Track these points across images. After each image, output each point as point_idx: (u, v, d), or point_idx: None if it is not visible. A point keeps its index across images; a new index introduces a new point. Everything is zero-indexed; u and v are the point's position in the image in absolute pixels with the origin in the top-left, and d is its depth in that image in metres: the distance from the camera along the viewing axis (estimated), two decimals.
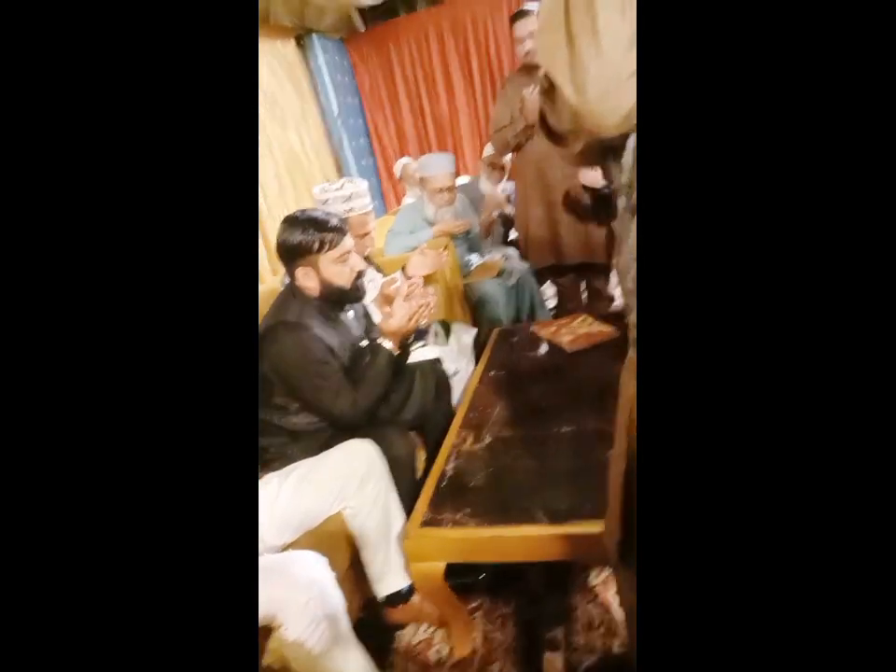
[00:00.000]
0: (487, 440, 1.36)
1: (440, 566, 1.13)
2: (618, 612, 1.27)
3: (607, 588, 1.34)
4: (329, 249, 1.35)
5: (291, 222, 1.36)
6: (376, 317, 1.73)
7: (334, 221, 1.36)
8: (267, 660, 1.01)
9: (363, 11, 4.22)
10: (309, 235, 1.33)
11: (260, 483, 1.31)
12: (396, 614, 1.34)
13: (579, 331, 1.80)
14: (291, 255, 1.36)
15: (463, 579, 1.36)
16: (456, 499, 1.17)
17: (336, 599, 1.07)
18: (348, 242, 1.39)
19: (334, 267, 1.37)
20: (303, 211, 1.38)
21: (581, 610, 1.30)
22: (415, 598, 1.34)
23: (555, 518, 1.06)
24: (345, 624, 1.08)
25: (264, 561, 1.08)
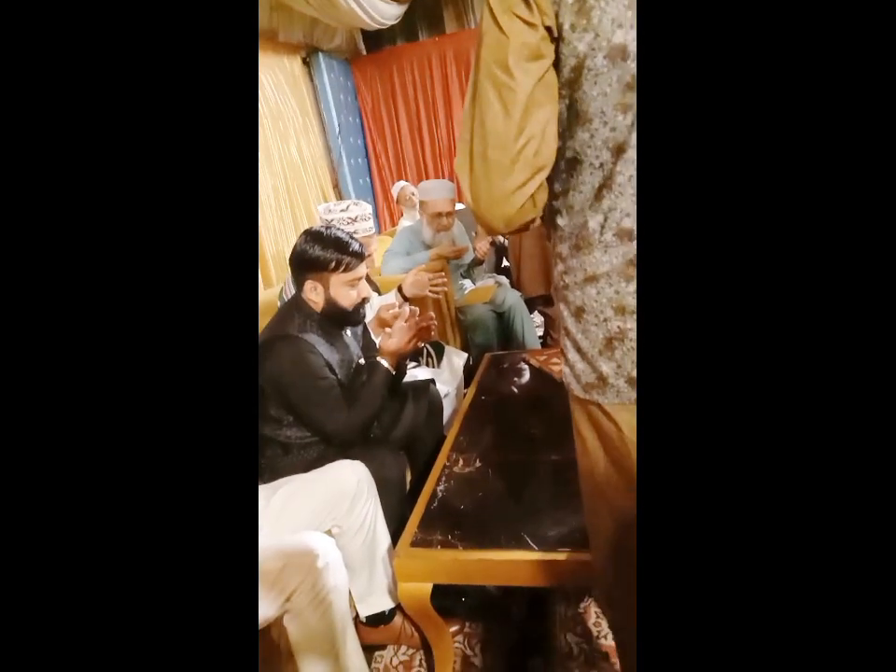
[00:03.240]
0: (477, 464, 1.38)
1: (427, 586, 1.14)
2: (597, 643, 1.28)
3: (587, 618, 1.35)
4: (343, 271, 1.38)
5: (315, 237, 1.38)
6: (373, 336, 1.75)
7: (355, 246, 1.39)
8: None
9: (367, 35, 4.33)
10: (329, 253, 1.36)
11: None
12: (376, 634, 1.34)
13: None
14: (306, 267, 1.39)
15: (446, 601, 1.36)
16: (446, 521, 1.19)
17: (344, 575, 1.11)
18: (362, 269, 1.42)
19: (343, 289, 1.40)
20: (328, 228, 1.41)
21: (561, 640, 1.31)
22: (397, 619, 1.34)
23: (543, 545, 1.08)
24: (347, 605, 1.11)
25: (278, 540, 1.11)
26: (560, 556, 1.05)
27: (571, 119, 0.62)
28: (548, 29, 0.58)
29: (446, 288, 2.02)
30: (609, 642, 1.27)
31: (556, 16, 0.57)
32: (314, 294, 1.40)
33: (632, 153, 0.60)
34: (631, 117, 0.59)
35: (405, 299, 1.92)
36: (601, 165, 0.62)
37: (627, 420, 0.69)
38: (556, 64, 0.60)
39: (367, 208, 1.85)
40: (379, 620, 1.33)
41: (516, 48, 0.57)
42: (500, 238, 2.98)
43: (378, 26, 3.63)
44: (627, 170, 0.61)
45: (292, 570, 1.01)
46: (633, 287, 0.63)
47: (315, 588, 1.01)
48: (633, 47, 0.56)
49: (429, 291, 1.93)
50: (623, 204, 0.62)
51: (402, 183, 3.86)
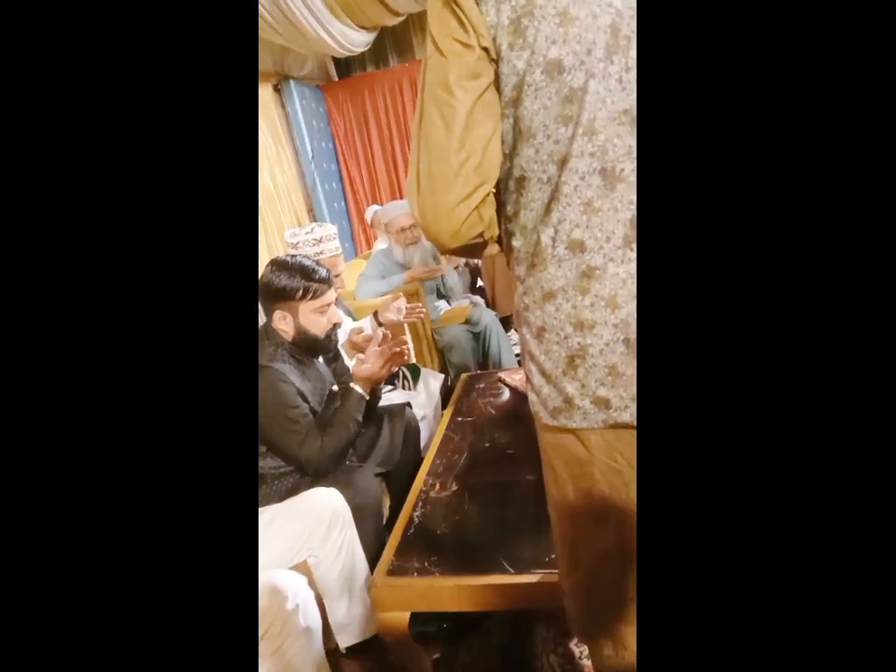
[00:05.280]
0: (454, 487, 1.38)
1: (405, 615, 1.12)
2: (579, 663, 1.28)
3: (568, 638, 1.34)
4: (311, 298, 1.38)
5: (280, 265, 1.38)
6: (346, 359, 1.75)
7: (322, 273, 1.40)
8: None
9: (338, 61, 4.39)
10: (295, 282, 1.36)
11: None
12: (357, 666, 1.31)
13: None
14: (273, 297, 1.38)
15: (426, 628, 1.35)
16: (423, 547, 1.18)
17: (316, 615, 1.09)
18: (331, 295, 1.42)
19: (313, 316, 1.40)
20: (294, 256, 1.41)
21: (544, 661, 1.30)
22: (377, 649, 1.32)
23: (520, 567, 1.08)
24: (321, 646, 1.09)
25: None
26: (537, 578, 1.05)
27: (516, 136, 0.65)
28: (485, 50, 0.61)
29: (423, 315, 2.03)
30: (590, 662, 1.26)
31: (494, 38, 0.61)
32: (283, 324, 1.40)
33: (574, 163, 0.62)
34: (571, 128, 0.61)
35: (380, 324, 1.93)
36: (548, 179, 0.64)
37: (598, 444, 0.69)
38: (499, 85, 0.63)
39: (331, 229, 1.87)
40: (359, 650, 1.31)
41: (455, 68, 0.61)
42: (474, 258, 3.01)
43: (348, 53, 3.69)
44: (572, 180, 0.63)
45: (262, 611, 0.99)
46: (589, 300, 0.65)
47: (286, 630, 0.99)
48: (567, 61, 0.60)
49: (405, 318, 1.94)
50: (572, 215, 0.64)
51: (375, 207, 3.88)
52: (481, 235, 0.69)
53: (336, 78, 4.51)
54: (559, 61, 0.60)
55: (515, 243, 0.70)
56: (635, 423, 0.66)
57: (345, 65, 4.50)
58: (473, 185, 0.63)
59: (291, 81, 3.81)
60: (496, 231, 0.72)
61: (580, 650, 1.31)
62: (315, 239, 1.82)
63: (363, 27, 3.58)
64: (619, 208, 0.62)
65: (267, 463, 1.38)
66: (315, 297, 1.38)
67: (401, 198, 4.40)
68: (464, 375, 2.14)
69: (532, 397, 0.75)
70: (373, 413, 1.60)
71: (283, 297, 1.37)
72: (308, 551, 1.24)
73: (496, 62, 0.62)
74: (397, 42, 4.45)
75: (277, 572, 1.12)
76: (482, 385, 2.00)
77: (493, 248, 0.75)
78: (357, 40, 3.60)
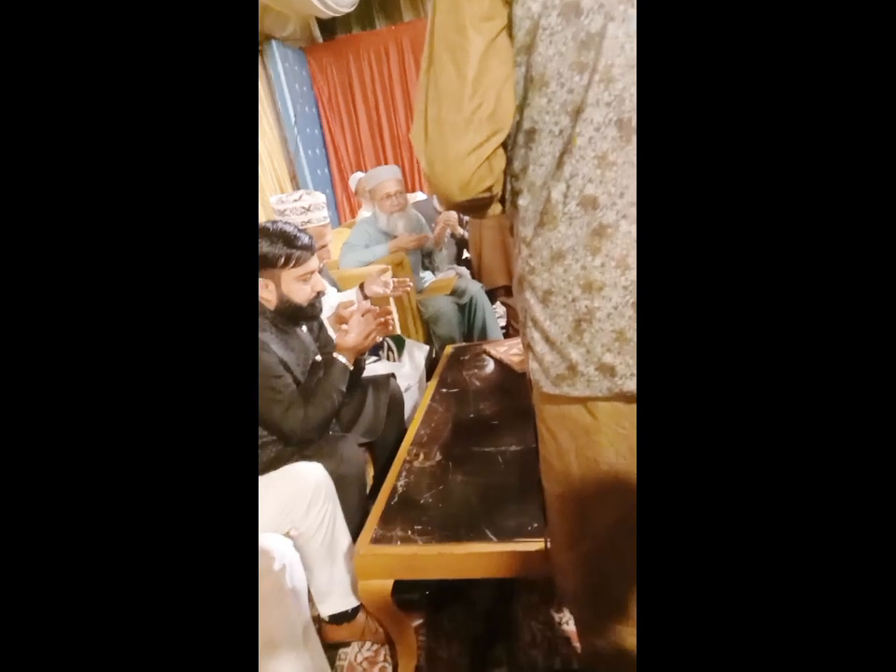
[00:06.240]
0: (438, 457, 1.38)
1: (388, 583, 1.13)
2: (560, 629, 1.30)
3: (550, 605, 1.37)
4: (294, 266, 1.35)
5: (261, 232, 1.34)
6: (331, 331, 1.73)
7: (305, 239, 1.36)
8: None
9: (323, 22, 4.25)
10: (277, 249, 1.33)
11: None
12: (340, 632, 1.33)
13: None
14: None
15: (408, 595, 1.37)
16: (406, 516, 1.18)
17: (302, 576, 1.09)
18: (314, 262, 1.39)
19: (295, 284, 1.37)
20: (275, 223, 1.36)
21: (525, 627, 1.32)
22: (360, 616, 1.34)
23: (502, 535, 1.09)
24: (307, 607, 1.10)
25: None
26: (520, 547, 1.06)
27: (527, 85, 0.61)
28: None
29: (410, 289, 2.00)
30: (570, 627, 1.29)
31: None
32: (266, 292, 1.37)
33: (590, 113, 0.58)
34: (587, 76, 0.57)
35: (366, 297, 1.90)
36: (560, 132, 0.60)
37: (605, 410, 0.66)
38: (511, 30, 0.59)
39: (320, 197, 1.81)
40: (342, 618, 1.32)
41: (468, 9, 0.57)
42: (460, 230, 2.98)
43: (333, 14, 3.56)
44: (586, 131, 0.59)
45: None
46: (599, 260, 0.61)
47: (272, 591, 0.99)
48: (585, 2, 0.55)
49: (391, 292, 1.91)
50: (585, 169, 0.60)
51: (360, 174, 3.80)
52: (489, 189, 0.65)
53: (320, 41, 4.36)
54: (577, 2, 0.55)
55: (522, 202, 0.66)
56: None
57: (330, 27, 4.35)
58: (486, 133, 0.60)
59: (273, 42, 3.68)
60: (500, 188, 0.68)
61: (559, 616, 1.33)
62: (303, 207, 1.77)
63: None
64: (634, 162, 0.58)
65: None
66: (297, 264, 1.35)
67: (385, 164, 4.32)
68: (449, 347, 2.14)
69: (533, 365, 0.71)
70: (357, 383, 1.59)
71: (264, 264, 1.34)
72: (290, 523, 1.24)
73: (509, 4, 0.58)
74: (384, 4, 4.30)
75: (263, 535, 1.12)
76: (466, 357, 1.99)
77: (496, 208, 0.71)
78: (343, 0, 3.47)
